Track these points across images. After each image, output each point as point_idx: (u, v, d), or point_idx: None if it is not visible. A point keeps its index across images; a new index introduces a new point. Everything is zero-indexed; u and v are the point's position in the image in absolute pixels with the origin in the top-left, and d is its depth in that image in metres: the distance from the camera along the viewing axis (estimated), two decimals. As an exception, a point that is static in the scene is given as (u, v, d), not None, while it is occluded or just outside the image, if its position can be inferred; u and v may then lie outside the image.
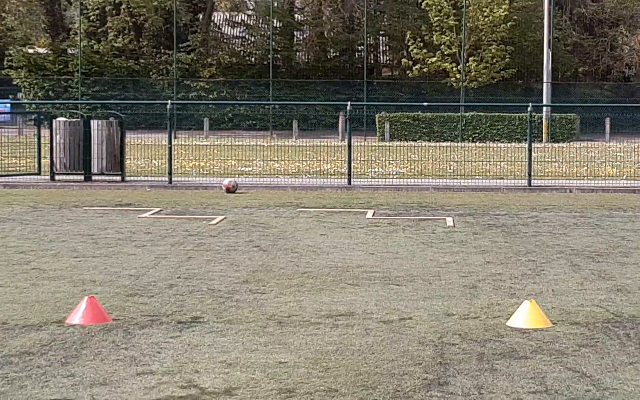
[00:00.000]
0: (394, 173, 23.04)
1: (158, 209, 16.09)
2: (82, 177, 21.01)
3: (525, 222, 14.58)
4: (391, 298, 8.72)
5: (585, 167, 24.24)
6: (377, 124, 42.64)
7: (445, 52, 48.25)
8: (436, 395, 5.85)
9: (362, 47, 53.12)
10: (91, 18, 52.87)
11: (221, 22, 59.32)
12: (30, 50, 53.77)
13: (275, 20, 53.63)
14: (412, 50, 48.84)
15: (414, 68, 48.96)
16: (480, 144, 35.06)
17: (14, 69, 51.41)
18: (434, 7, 48.18)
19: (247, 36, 57.30)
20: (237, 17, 58.13)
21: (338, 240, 12.45)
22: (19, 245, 11.87)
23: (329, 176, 22.45)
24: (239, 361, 6.55)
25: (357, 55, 55.36)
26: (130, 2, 51.44)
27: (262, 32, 55.90)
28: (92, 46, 51.91)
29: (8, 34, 54.41)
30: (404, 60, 50.68)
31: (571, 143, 36.48)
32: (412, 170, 23.60)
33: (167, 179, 20.91)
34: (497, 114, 42.53)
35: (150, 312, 8.07)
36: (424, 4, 48.77)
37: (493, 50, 47.83)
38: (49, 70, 51.51)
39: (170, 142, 21.54)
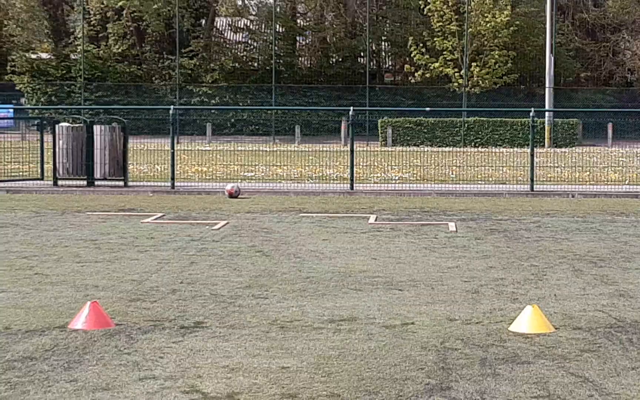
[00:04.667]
0: (396, 178, 23.04)
1: (161, 214, 16.10)
2: (84, 182, 21.04)
3: (528, 227, 14.58)
4: (393, 303, 8.72)
5: (588, 172, 24.23)
6: (379, 129, 42.66)
7: (447, 58, 48.30)
8: (439, 400, 5.86)
9: (364, 52, 53.16)
10: (92, 23, 52.92)
11: (224, 27, 59.38)
12: (33, 56, 53.85)
13: (277, 26, 53.71)
14: (414, 55, 48.88)
15: (416, 73, 49.00)
16: (483, 149, 35.06)
17: (16, 74, 51.49)
18: (436, 12, 48.25)
19: (249, 41, 57.36)
20: (239, 22, 58.19)
21: (340, 246, 12.45)
22: (22, 250, 11.88)
23: (332, 181, 22.45)
24: (242, 366, 6.55)
25: (359, 61, 55.41)
26: (131, 6, 51.50)
27: (265, 38, 55.97)
28: (95, 51, 51.98)
29: (11, 39, 54.48)
30: (406, 65, 50.73)
31: (573, 148, 36.50)
32: (415, 176, 23.61)
33: (169, 184, 20.93)
34: (499, 119, 42.54)
35: (153, 317, 8.07)
36: (426, 9, 48.84)
37: (495, 56, 47.88)
38: (52, 75, 51.58)
39: (172, 148, 21.55)
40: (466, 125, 42.48)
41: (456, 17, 48.11)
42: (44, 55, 55.03)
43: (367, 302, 8.73)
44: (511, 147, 36.49)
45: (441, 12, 48.11)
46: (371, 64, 54.42)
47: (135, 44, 53.99)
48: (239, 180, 21.97)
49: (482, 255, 11.72)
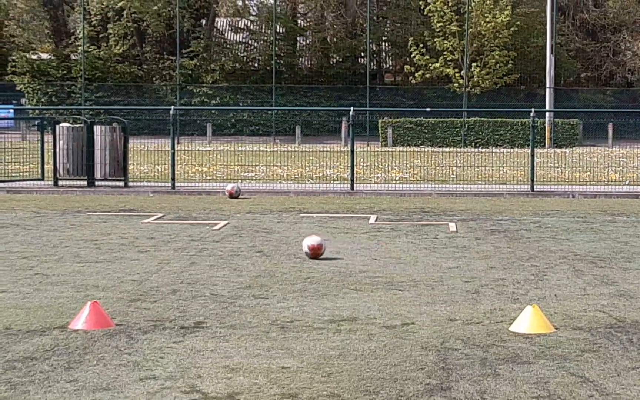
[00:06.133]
0: (396, 179, 23.04)
1: (161, 215, 16.10)
2: (85, 183, 21.05)
3: (528, 228, 14.58)
4: (394, 303, 8.72)
5: (588, 173, 24.23)
6: (379, 129, 42.67)
7: (447, 58, 48.31)
8: (439, 400, 5.86)
9: (365, 52, 53.17)
10: (93, 23, 52.94)
11: (224, 27, 59.39)
12: (34, 56, 53.86)
13: (278, 26, 53.72)
14: (414, 56, 48.88)
15: (416, 74, 49.01)
16: (483, 150, 35.06)
17: (17, 74, 51.50)
18: (436, 13, 48.26)
19: (250, 42, 57.38)
20: (240, 23, 58.21)
21: (341, 246, 12.45)
22: (22, 250, 11.89)
23: (332, 181, 22.45)
24: (242, 366, 6.55)
25: (360, 61, 55.43)
26: (132, 7, 51.53)
27: (265, 38, 55.98)
28: (96, 52, 51.99)
29: (11, 39, 54.49)
30: (406, 66, 50.73)
31: (574, 148, 36.50)
32: (415, 176, 23.61)
33: (170, 184, 20.94)
34: (499, 119, 42.55)
35: (153, 317, 8.07)
36: (426, 10, 48.85)
37: (496, 56, 47.88)
38: (52, 75, 51.59)
39: (173, 148, 21.56)
40: (466, 125, 42.48)
41: (456, 17, 48.13)
42: (45, 56, 55.05)
43: (367, 303, 8.73)
44: (511, 148, 36.49)
45: (441, 13, 48.12)
46: (371, 64, 54.43)
47: (135, 45, 54.00)
48: (240, 181, 21.98)
49: (483, 255, 11.72)
